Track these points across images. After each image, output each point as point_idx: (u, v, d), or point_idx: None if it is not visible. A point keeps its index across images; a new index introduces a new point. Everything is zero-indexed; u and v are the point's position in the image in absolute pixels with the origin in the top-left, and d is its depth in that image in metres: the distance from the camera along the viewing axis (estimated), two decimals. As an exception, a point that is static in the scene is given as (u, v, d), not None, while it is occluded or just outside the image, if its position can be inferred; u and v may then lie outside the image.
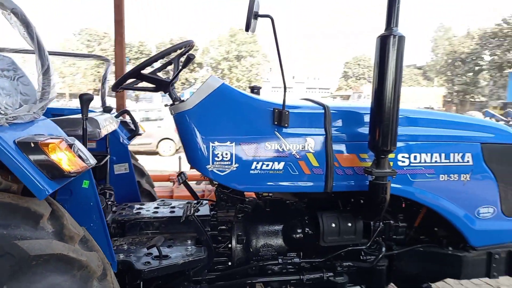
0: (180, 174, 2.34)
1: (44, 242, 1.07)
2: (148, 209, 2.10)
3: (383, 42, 1.62)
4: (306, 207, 2.01)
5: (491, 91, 42.80)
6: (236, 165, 1.71)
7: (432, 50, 65.39)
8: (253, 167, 1.72)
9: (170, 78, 1.87)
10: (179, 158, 4.55)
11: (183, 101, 1.78)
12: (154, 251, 1.73)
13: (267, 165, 1.73)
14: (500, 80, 39.98)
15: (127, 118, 2.75)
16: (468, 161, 1.91)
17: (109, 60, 2.90)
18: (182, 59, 1.84)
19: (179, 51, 1.91)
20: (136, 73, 1.80)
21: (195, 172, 2.06)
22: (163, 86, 1.86)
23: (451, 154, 1.89)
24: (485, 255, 1.99)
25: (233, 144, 1.71)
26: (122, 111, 2.60)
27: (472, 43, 45.21)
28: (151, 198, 2.79)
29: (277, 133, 1.75)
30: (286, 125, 1.72)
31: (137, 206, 2.18)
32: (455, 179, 1.90)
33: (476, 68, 44.56)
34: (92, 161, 1.27)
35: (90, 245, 1.27)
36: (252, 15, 1.51)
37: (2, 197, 1.07)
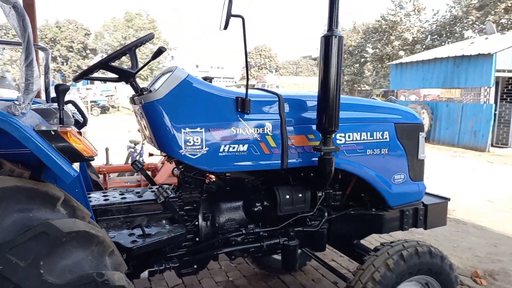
0: (135, 162, 2.42)
1: (70, 221, 1.16)
2: (114, 196, 2.17)
3: (326, 41, 1.96)
4: (262, 184, 2.30)
5: (374, 80, 48.19)
6: (206, 149, 1.91)
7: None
8: (221, 150, 1.94)
9: (134, 69, 1.96)
10: (106, 150, 4.45)
11: (150, 91, 1.90)
12: (137, 232, 1.84)
13: (233, 148, 1.96)
14: (381, 71, 45.17)
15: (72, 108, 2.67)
16: (386, 138, 2.39)
17: (47, 49, 2.75)
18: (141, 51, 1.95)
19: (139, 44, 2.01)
20: (103, 65, 1.86)
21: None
22: (127, 77, 1.95)
23: (374, 133, 2.35)
24: (399, 213, 2.52)
25: (203, 130, 1.90)
26: (67, 101, 2.53)
27: (358, 37, 50.19)
28: (99, 187, 2.78)
29: (240, 119, 1.98)
30: (248, 112, 1.97)
31: (99, 194, 2.22)
32: (377, 153, 2.37)
33: (362, 60, 49.65)
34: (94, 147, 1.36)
35: (95, 225, 1.37)
36: (229, 15, 1.71)
37: (23, 182, 1.13)
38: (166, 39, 54.17)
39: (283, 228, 2.27)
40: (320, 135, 2.04)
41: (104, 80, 2.07)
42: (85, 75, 1.90)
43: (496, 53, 10.71)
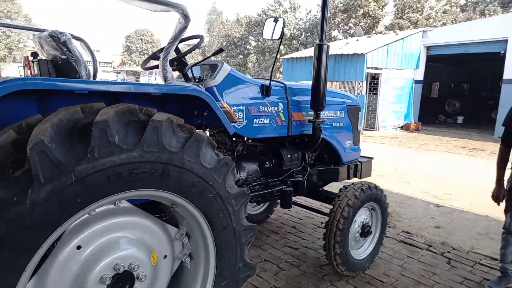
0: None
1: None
2: None
3: (319, 48, 2.91)
4: (269, 148, 3.16)
5: (257, 72, 51.24)
6: (246, 121, 2.70)
7: (207, 31, 71.46)
8: (254, 122, 2.75)
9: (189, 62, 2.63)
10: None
11: (205, 79, 2.60)
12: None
13: (261, 120, 2.80)
14: (263, 63, 48.18)
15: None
16: (342, 115, 3.50)
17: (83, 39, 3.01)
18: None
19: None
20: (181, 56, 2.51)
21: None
22: (184, 67, 2.61)
23: (337, 112, 3.43)
24: (346, 168, 3.67)
25: (244, 107, 2.68)
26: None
27: (241, 29, 52.39)
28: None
29: (264, 100, 2.82)
30: (269, 95, 2.82)
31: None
32: (337, 125, 3.46)
33: (245, 51, 52.07)
34: None
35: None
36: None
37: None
38: (28, 15, 48.00)
39: (283, 179, 3.20)
40: (313, 112, 3.01)
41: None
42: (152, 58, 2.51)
43: (367, 53, 13.18)
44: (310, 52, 16.69)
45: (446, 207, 5.46)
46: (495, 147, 11.27)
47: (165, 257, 1.81)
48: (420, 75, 15.39)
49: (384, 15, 39.91)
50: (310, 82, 3.08)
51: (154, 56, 2.87)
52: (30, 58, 2.29)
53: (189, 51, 2.58)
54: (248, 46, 52.27)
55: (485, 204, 5.71)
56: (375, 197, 3.28)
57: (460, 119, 17.97)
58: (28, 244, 1.28)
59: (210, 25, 70.45)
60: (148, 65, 2.78)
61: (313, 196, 3.65)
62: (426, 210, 5.28)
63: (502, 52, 12.69)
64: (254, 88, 2.79)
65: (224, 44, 55.36)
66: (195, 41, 2.81)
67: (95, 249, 1.55)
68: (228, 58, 54.35)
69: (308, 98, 3.03)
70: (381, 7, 39.36)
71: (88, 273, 1.52)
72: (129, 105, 1.57)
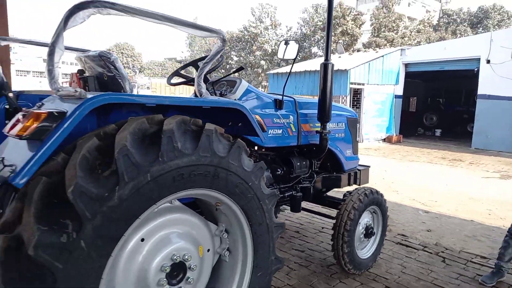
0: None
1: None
2: None
3: (325, 67, 3.23)
4: (280, 156, 3.42)
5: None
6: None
7: (188, 45, 71.98)
8: (270, 132, 3.01)
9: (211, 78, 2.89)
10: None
11: (225, 94, 2.86)
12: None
13: (275, 131, 3.06)
14: (245, 78, 48.78)
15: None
16: (343, 127, 3.81)
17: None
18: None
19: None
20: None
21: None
22: (206, 83, 2.86)
23: (338, 123, 3.73)
24: (347, 175, 3.97)
25: (261, 119, 2.95)
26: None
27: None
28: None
29: (277, 113, 3.09)
30: (282, 108, 3.10)
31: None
32: (339, 136, 3.76)
33: (227, 66, 52.70)
34: None
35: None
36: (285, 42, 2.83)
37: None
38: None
39: (293, 185, 3.45)
40: (320, 123, 3.30)
41: (186, 83, 2.91)
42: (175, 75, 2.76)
43: (350, 69, 13.76)
44: (294, 67, 17.23)
45: (434, 213, 5.82)
46: (473, 157, 11.91)
47: (208, 250, 2.03)
48: (400, 90, 16.09)
49: (362, 33, 41.35)
50: (294, 96, 3.40)
51: (177, 73, 3.12)
52: (77, 74, 2.49)
53: (213, 69, 2.83)
54: (230, 61, 52.99)
55: (469, 210, 6.12)
56: (376, 201, 3.57)
57: (438, 132, 18.76)
58: (115, 233, 1.48)
59: (191, 40, 71.00)
60: (174, 80, 3.01)
61: (318, 201, 3.91)
62: (416, 215, 5.62)
63: (476, 69, 13.48)
64: (269, 102, 3.06)
65: (206, 60, 55.93)
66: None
67: (156, 241, 1.76)
68: (210, 73, 54.82)
69: (314, 111, 3.33)
70: (358, 26, 40.81)
71: (150, 263, 1.73)
72: (183, 116, 1.81)
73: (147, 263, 1.72)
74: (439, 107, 20.74)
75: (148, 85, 38.13)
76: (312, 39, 44.80)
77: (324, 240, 4.30)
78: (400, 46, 36.53)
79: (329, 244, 3.60)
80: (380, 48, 36.72)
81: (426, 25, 39.60)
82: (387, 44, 38.39)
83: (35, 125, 1.40)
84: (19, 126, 1.43)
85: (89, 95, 1.53)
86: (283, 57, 3.11)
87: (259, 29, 49.48)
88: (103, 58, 2.31)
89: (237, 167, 1.93)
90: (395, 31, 39.68)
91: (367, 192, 3.46)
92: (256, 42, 48.94)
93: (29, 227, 1.31)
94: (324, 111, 3.24)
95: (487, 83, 13.09)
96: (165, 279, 1.77)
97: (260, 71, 48.50)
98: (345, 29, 40.41)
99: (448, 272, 3.62)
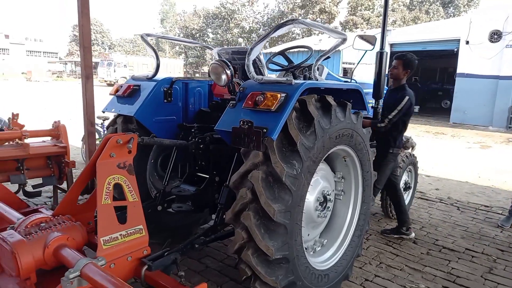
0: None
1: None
2: None
3: (381, 55, 4.05)
4: None
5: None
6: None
7: (160, 22, 70.34)
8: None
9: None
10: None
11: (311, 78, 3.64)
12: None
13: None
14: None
15: None
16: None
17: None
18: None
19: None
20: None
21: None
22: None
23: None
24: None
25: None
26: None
27: (199, 21, 52.51)
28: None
29: (347, 92, 3.91)
30: (349, 88, 3.93)
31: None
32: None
33: (204, 43, 52.33)
34: None
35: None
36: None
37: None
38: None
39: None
40: (374, 100, 4.15)
41: (286, 70, 3.64)
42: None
43: (342, 49, 14.65)
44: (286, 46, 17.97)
45: (434, 177, 6.91)
46: (453, 131, 13.26)
47: (332, 190, 2.86)
48: (387, 69, 17.17)
49: (339, 12, 42.23)
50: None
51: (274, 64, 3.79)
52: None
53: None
54: (206, 39, 52.58)
55: (462, 174, 7.26)
56: (412, 162, 4.51)
57: (416, 108, 20.18)
58: (313, 170, 2.29)
59: (163, 16, 69.37)
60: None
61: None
62: (422, 178, 6.68)
63: (455, 49, 14.73)
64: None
65: (181, 35, 55.26)
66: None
67: (315, 181, 2.58)
68: (186, 50, 54.36)
69: (369, 90, 4.17)
70: (336, 4, 41.58)
71: (312, 195, 2.56)
72: (329, 96, 2.59)
73: (310, 196, 2.55)
74: (416, 84, 22.16)
75: (125, 63, 37.41)
76: (290, 16, 45.14)
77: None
78: (376, 24, 37.63)
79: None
80: (357, 28, 37.72)
81: (400, 4, 40.90)
82: (364, 23, 39.50)
83: (277, 102, 2.14)
84: (263, 103, 2.16)
85: (293, 82, 2.28)
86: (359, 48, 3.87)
87: (236, 6, 49.13)
88: (243, 52, 3.02)
89: (360, 130, 2.76)
90: (371, 10, 40.75)
91: (407, 155, 4.39)
92: (233, 20, 48.65)
93: (279, 164, 2.09)
94: (378, 90, 4.08)
95: (466, 63, 14.39)
96: (319, 205, 2.62)
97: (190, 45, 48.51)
98: (323, 7, 41.02)
99: (464, 216, 4.66)
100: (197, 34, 52.45)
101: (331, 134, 2.40)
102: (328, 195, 2.71)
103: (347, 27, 40.07)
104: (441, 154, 9.06)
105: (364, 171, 2.92)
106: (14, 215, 2.30)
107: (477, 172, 7.47)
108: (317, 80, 3.10)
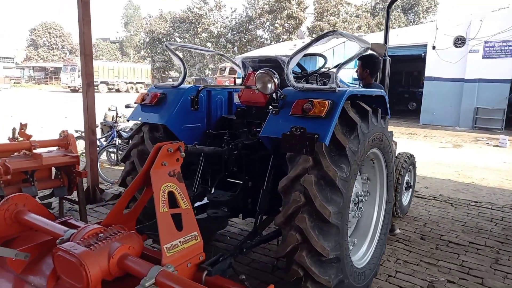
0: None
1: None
2: None
3: (383, 62, 4.26)
4: None
5: (179, 68, 51.30)
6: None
7: (124, 26, 68.78)
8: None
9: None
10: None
11: (325, 84, 3.78)
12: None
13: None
14: (190, 60, 48.35)
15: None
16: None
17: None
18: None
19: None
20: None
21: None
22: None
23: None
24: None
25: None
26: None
27: (166, 26, 51.83)
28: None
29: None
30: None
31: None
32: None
33: (220, 52, 51.70)
34: None
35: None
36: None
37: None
38: None
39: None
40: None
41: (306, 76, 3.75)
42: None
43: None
44: (264, 51, 18.14)
45: (419, 175, 7.24)
46: (425, 132, 13.92)
47: (360, 191, 3.00)
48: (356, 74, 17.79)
49: (306, 17, 43.10)
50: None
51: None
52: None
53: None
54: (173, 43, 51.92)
55: (443, 173, 7.67)
56: (412, 162, 4.76)
57: (385, 111, 20.98)
58: (357, 171, 2.41)
59: (127, 20, 67.91)
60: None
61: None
62: (410, 177, 7.01)
63: (423, 54, 15.50)
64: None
65: (147, 39, 54.37)
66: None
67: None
68: (153, 54, 53.47)
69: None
70: (303, 10, 42.42)
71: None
72: (362, 102, 2.72)
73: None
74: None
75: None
76: (258, 21, 45.51)
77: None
78: (342, 30, 38.80)
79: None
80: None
81: (363, 11, 42.38)
82: (330, 29, 40.54)
83: (325, 109, 2.23)
84: (312, 110, 2.25)
85: (337, 90, 2.39)
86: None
87: (203, 10, 48.92)
88: (271, 60, 3.11)
89: (387, 133, 2.91)
90: (336, 16, 41.90)
91: (409, 155, 4.62)
92: (201, 24, 48.38)
93: (331, 168, 2.19)
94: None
95: (433, 67, 15.17)
96: (353, 206, 2.74)
97: (205, 54, 48.36)
98: (290, 12, 41.72)
99: (459, 212, 4.96)
100: (164, 39, 51.68)
101: (369, 138, 2.53)
102: (360, 196, 2.84)
103: (314, 32, 40.94)
104: (418, 154, 9.48)
105: (388, 172, 3.08)
106: (58, 227, 2.25)
107: (456, 170, 7.92)
108: (338, 86, 3.24)
